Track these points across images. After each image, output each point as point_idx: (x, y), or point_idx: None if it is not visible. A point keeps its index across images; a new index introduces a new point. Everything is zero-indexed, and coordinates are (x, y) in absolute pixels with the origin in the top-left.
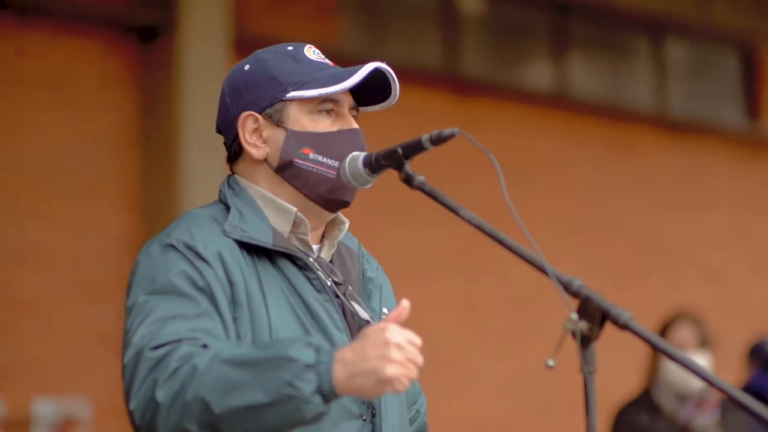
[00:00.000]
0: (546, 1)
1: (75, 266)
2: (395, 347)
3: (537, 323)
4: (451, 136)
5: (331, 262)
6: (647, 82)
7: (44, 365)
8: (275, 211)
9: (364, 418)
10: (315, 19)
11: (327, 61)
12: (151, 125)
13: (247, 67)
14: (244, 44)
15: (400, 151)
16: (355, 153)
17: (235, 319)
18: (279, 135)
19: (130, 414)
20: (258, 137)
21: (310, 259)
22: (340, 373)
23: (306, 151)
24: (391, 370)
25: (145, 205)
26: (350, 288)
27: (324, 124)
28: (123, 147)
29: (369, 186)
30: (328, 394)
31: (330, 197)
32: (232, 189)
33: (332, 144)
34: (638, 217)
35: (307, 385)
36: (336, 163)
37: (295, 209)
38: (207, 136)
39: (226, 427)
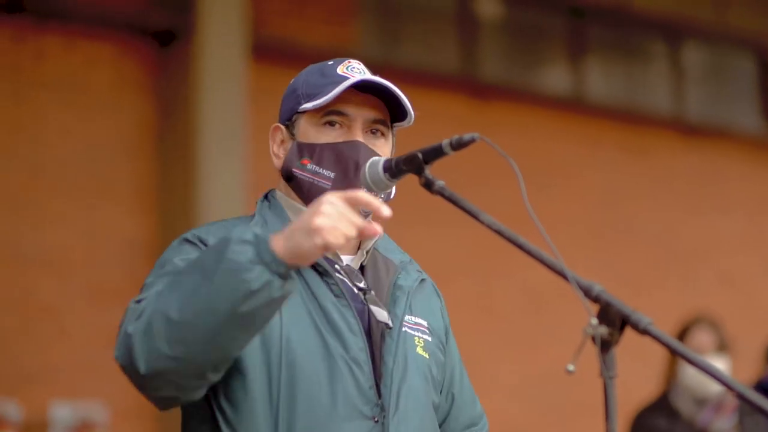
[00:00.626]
0: (563, 5)
1: (91, 269)
2: (327, 203)
3: (553, 327)
4: (471, 141)
5: (363, 270)
6: (664, 86)
7: (61, 369)
8: None
9: (375, 419)
10: (332, 23)
11: (360, 76)
12: (168, 129)
13: (292, 81)
14: (261, 48)
15: (420, 156)
16: (375, 158)
17: None
18: (290, 146)
19: (118, 363)
20: (282, 149)
21: (336, 266)
22: (278, 239)
23: (305, 161)
24: (318, 221)
25: (160, 209)
26: (372, 293)
27: (328, 136)
28: (139, 150)
29: (388, 191)
30: (270, 263)
31: None
32: (268, 201)
33: (329, 155)
34: (654, 220)
35: (243, 255)
36: (331, 174)
37: None
38: (224, 140)
39: (192, 333)
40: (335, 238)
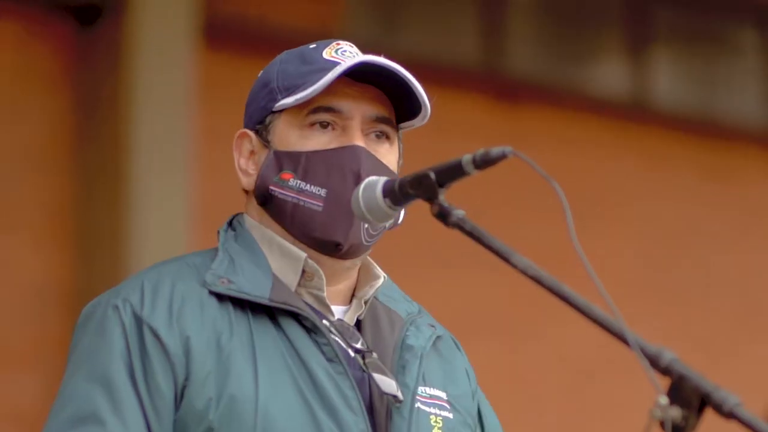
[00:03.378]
0: None
1: None
2: None
3: (602, 405)
4: (502, 157)
5: (360, 326)
6: (754, 89)
7: None
8: (280, 257)
9: None
10: None
11: (354, 59)
12: (90, 134)
13: (261, 73)
14: (216, 29)
15: (432, 176)
16: (373, 178)
17: (181, 400)
18: (264, 157)
19: None
20: (252, 162)
21: (324, 321)
22: None
23: (285, 176)
24: None
25: (78, 241)
26: (374, 355)
27: (317, 141)
28: (50, 162)
29: (390, 223)
30: None
31: (319, 237)
32: (234, 230)
33: (319, 166)
34: (738, 264)
35: None
36: (322, 192)
37: (304, 255)
38: (163, 149)
39: None
40: None
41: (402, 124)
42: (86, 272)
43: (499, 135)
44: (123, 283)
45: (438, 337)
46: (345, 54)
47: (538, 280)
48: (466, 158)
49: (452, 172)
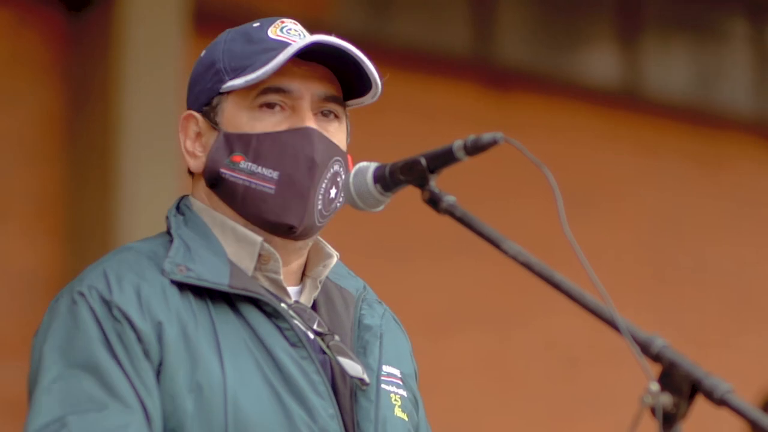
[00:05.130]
0: None
1: None
2: None
3: (591, 394)
4: (493, 143)
5: (315, 307)
6: (745, 77)
7: None
8: (235, 242)
9: None
10: None
11: (304, 40)
12: (80, 123)
13: (203, 52)
14: (207, 16)
15: (423, 162)
16: (364, 164)
17: (158, 381)
18: (213, 140)
19: None
20: (199, 144)
21: (282, 304)
22: None
23: (236, 158)
24: None
25: (69, 231)
26: (336, 338)
27: (266, 123)
28: (40, 151)
29: (381, 208)
30: None
31: (272, 220)
32: (183, 215)
33: (270, 148)
34: (731, 254)
35: None
36: (274, 174)
37: (260, 239)
38: (154, 138)
39: None
40: None
41: (350, 102)
42: (76, 261)
43: (490, 123)
44: (83, 272)
45: (385, 313)
46: (291, 33)
47: (528, 267)
48: (457, 144)
49: (443, 158)
